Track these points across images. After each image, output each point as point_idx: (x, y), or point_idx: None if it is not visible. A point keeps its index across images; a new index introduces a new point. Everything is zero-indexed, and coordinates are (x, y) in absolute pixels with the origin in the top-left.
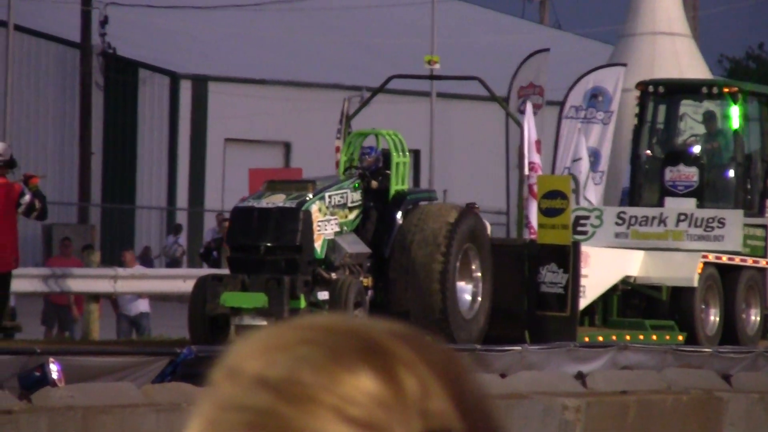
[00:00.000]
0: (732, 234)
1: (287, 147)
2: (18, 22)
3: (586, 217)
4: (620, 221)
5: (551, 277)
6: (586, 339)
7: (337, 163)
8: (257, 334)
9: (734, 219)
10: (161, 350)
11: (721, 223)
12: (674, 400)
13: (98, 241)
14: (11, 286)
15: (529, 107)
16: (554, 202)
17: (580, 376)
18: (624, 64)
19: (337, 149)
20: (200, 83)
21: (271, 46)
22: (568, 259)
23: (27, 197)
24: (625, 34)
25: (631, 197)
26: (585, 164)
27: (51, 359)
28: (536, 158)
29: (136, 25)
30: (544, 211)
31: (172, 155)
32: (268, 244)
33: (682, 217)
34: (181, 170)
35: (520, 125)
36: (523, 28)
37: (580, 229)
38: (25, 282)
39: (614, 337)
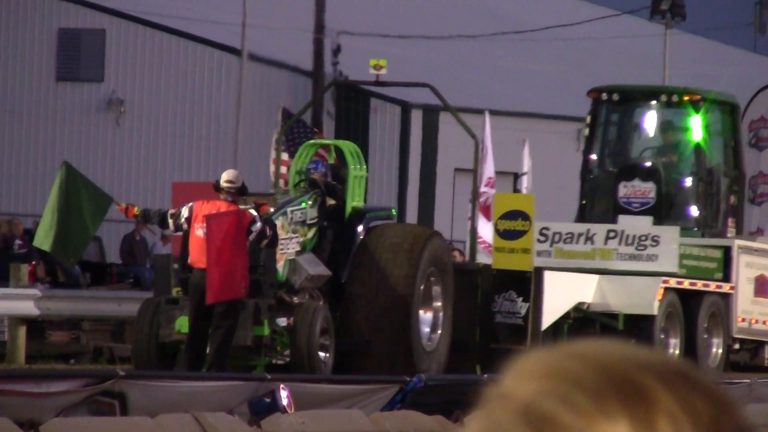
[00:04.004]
0: (667, 253)
1: (515, 177)
2: (251, 50)
3: None
4: (542, 238)
5: (508, 306)
6: None
7: (273, 175)
8: (532, 356)
9: (669, 237)
10: (391, 378)
11: (655, 241)
12: None
13: None
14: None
15: (487, 119)
16: (514, 223)
17: None
18: None
19: (273, 161)
20: (431, 113)
21: (502, 76)
22: (528, 286)
23: (258, 225)
24: None
25: (581, 214)
26: (529, 178)
27: (281, 385)
28: (492, 173)
29: (368, 53)
30: (501, 234)
31: (402, 184)
32: None
33: (612, 234)
34: (411, 199)
35: (474, 137)
36: (755, 61)
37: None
38: None
39: None
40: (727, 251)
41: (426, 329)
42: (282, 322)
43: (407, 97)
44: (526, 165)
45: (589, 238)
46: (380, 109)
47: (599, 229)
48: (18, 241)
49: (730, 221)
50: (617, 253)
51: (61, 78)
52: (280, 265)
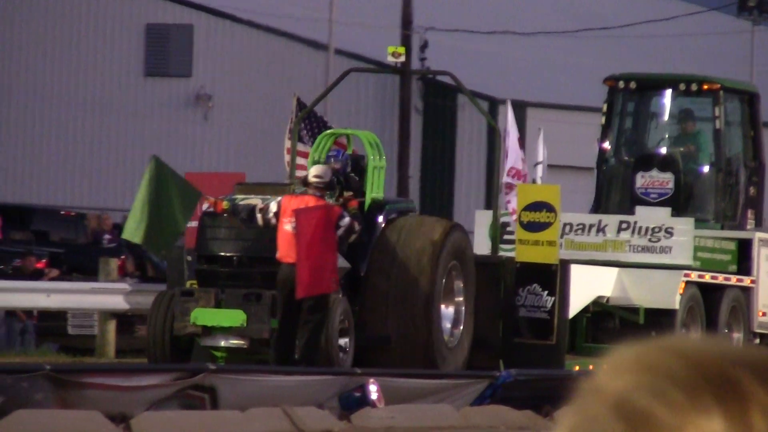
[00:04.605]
0: (681, 245)
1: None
2: (338, 45)
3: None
4: None
5: (533, 299)
6: (577, 368)
7: (288, 165)
8: (626, 350)
9: (684, 228)
10: (480, 373)
11: (669, 232)
12: None
13: None
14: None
15: (509, 108)
16: (539, 215)
17: None
18: None
19: (288, 151)
20: (519, 108)
21: (588, 73)
22: (554, 279)
23: (346, 220)
24: None
25: (597, 205)
26: (544, 168)
27: (371, 380)
28: (520, 164)
29: (455, 49)
30: (525, 225)
31: (489, 180)
32: (244, 255)
33: (624, 226)
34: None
35: (495, 128)
36: None
37: (507, 237)
38: None
39: (591, 367)
40: (746, 244)
41: (447, 324)
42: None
43: (495, 92)
44: (541, 155)
45: (601, 230)
46: (468, 105)
47: (611, 220)
48: (107, 236)
49: (750, 213)
50: (630, 244)
51: (150, 73)
52: None
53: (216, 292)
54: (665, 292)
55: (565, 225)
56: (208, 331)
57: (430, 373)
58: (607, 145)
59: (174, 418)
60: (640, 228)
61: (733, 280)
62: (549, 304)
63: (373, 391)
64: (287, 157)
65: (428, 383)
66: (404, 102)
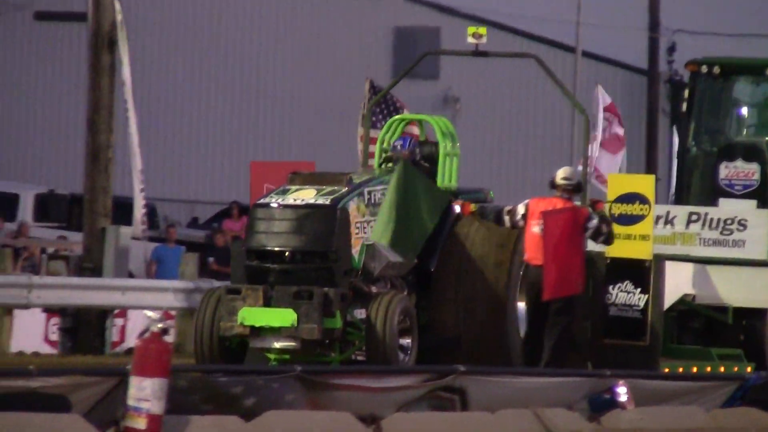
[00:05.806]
0: (755, 239)
1: None
2: (585, 48)
3: None
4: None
5: (624, 298)
6: (667, 370)
7: (361, 153)
8: None
9: (758, 221)
10: (730, 375)
11: (742, 225)
12: None
13: None
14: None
15: (600, 92)
16: (631, 207)
17: None
18: None
19: (361, 138)
20: None
21: None
22: (647, 276)
23: (594, 222)
24: None
25: (678, 198)
26: (623, 159)
27: (621, 382)
28: (603, 160)
29: (702, 52)
30: (616, 219)
31: None
32: (296, 250)
33: (694, 218)
34: None
35: (584, 113)
36: None
37: None
38: None
39: (681, 370)
40: None
41: (524, 323)
42: (360, 314)
43: None
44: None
45: (669, 221)
46: None
47: (680, 212)
48: None
49: None
50: (700, 238)
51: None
52: (356, 251)
53: (264, 289)
54: (756, 290)
55: None
56: (257, 331)
57: (678, 375)
58: (690, 133)
59: (424, 420)
60: (711, 220)
61: None
62: (642, 303)
63: (623, 392)
64: (360, 145)
65: (677, 385)
66: (651, 104)
